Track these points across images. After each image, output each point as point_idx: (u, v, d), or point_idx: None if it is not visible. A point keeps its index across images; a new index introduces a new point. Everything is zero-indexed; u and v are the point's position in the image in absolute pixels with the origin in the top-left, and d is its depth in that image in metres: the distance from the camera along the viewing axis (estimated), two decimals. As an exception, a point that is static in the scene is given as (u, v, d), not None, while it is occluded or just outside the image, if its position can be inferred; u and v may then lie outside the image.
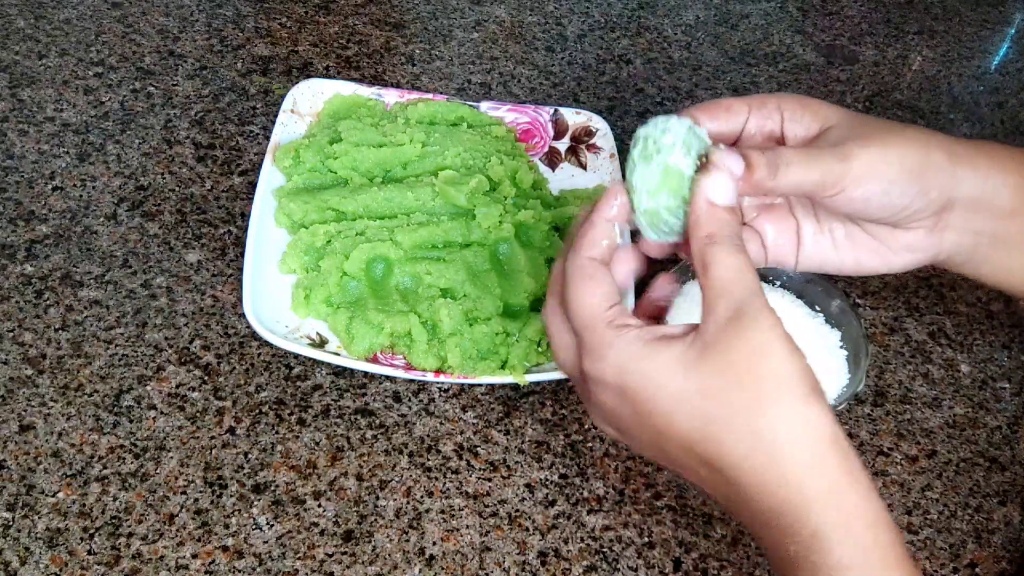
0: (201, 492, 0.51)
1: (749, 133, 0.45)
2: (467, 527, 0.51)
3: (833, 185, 0.41)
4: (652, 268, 0.46)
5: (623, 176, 0.42)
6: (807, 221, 0.48)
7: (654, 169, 0.40)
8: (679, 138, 0.40)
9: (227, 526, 0.50)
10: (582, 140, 0.70)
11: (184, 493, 0.51)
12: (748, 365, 0.36)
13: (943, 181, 0.43)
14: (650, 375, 0.37)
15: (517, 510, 0.53)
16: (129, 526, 0.49)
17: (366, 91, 0.70)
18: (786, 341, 0.36)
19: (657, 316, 0.48)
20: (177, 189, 0.66)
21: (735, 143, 0.46)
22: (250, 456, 0.53)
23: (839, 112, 0.45)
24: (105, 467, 0.51)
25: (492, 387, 0.58)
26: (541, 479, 0.54)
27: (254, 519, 0.50)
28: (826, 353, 0.58)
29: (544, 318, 0.44)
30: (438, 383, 0.57)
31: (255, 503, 0.51)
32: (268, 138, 0.65)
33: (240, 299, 0.56)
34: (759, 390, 0.36)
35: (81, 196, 0.64)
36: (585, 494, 0.54)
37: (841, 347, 0.59)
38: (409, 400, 0.57)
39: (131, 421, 0.53)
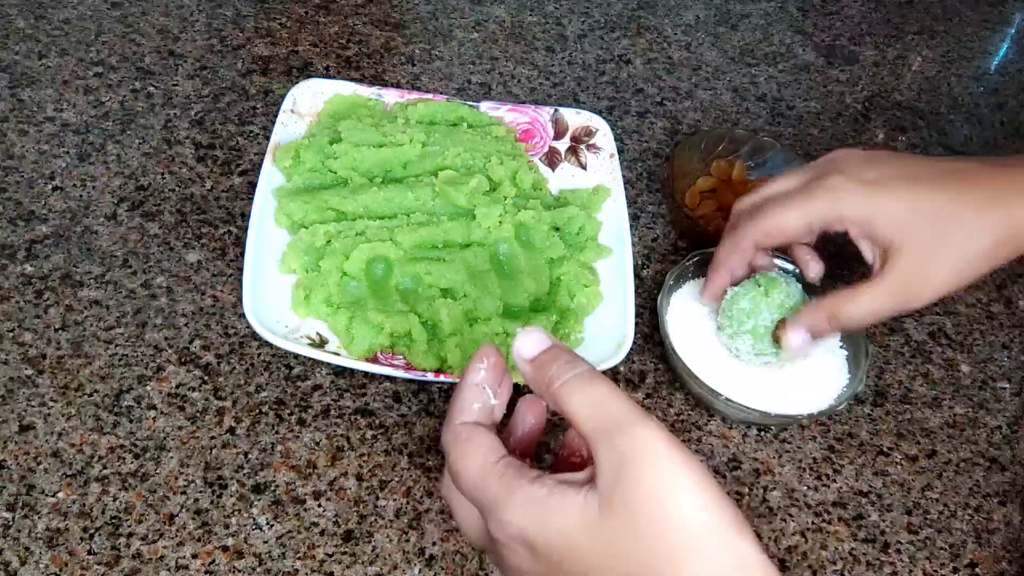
0: (201, 492, 0.51)
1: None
2: (467, 527, 0.51)
3: (899, 311, 0.52)
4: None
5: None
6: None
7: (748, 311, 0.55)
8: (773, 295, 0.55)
9: (227, 526, 0.50)
10: (582, 140, 0.70)
11: (184, 493, 0.51)
12: (651, 519, 0.32)
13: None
14: (555, 535, 0.34)
15: (517, 510, 0.52)
16: (129, 526, 0.49)
17: (366, 91, 0.69)
18: (686, 475, 0.32)
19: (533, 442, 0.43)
20: (177, 189, 0.66)
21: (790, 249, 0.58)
22: (250, 456, 0.53)
23: (902, 229, 0.50)
24: (105, 467, 0.51)
25: (492, 387, 0.58)
26: (541, 479, 0.54)
27: (254, 519, 0.50)
28: (826, 353, 0.58)
29: (444, 496, 0.40)
30: (438, 383, 0.57)
31: (255, 503, 0.51)
32: (268, 138, 0.65)
33: (240, 299, 0.56)
34: (672, 547, 0.32)
35: (81, 196, 0.64)
36: (585, 494, 0.54)
37: (841, 347, 0.59)
38: (409, 400, 0.57)
39: (131, 421, 0.53)
